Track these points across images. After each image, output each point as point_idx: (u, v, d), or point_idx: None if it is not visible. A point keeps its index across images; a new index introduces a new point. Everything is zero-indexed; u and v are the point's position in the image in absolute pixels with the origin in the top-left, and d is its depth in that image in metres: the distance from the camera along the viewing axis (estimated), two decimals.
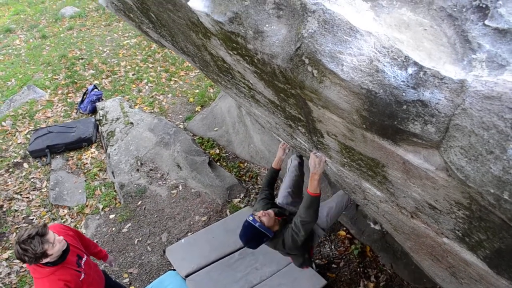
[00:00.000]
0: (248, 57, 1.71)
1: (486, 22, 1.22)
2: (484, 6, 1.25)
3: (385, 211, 2.29)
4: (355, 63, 1.28)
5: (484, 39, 1.20)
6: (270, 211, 3.12)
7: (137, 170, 5.51)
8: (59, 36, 9.85)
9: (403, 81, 1.21)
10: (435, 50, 1.25)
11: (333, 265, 4.10)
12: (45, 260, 2.59)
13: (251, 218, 3.01)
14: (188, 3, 1.76)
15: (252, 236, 3.00)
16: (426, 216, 1.74)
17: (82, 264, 2.94)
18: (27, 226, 5.58)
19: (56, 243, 2.59)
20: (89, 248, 3.32)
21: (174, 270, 4.16)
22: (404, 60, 1.22)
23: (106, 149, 6.14)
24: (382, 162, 1.60)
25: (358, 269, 4.01)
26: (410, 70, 1.21)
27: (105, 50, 8.95)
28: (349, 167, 2.03)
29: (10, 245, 5.33)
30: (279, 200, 3.55)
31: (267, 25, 1.49)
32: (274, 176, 3.51)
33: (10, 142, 6.92)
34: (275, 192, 3.58)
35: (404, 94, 1.21)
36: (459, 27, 1.28)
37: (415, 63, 1.21)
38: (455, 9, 1.31)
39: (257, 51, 1.58)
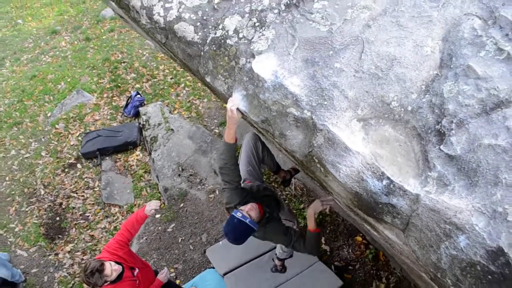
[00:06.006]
0: (277, 143, 2.31)
1: (441, 147, 1.76)
2: (442, 131, 1.79)
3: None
4: (348, 172, 1.87)
5: (438, 161, 1.75)
6: (255, 204, 3.08)
7: (179, 175, 6.23)
8: (101, 38, 10.60)
9: (379, 189, 1.79)
10: (404, 165, 1.82)
11: (350, 267, 4.73)
12: (106, 283, 3.32)
13: (239, 214, 2.88)
14: (230, 98, 2.37)
15: (242, 233, 2.92)
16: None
17: (135, 274, 3.67)
18: (84, 222, 6.42)
19: (113, 273, 3.29)
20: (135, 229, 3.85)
21: (214, 268, 4.89)
22: (381, 175, 1.79)
23: (150, 153, 6.89)
24: (373, 224, 2.19)
25: (372, 271, 4.62)
26: (384, 182, 1.79)
27: (144, 53, 9.63)
28: (354, 214, 2.62)
29: (71, 239, 6.19)
30: (242, 177, 3.54)
31: (288, 131, 2.09)
32: (234, 151, 3.01)
33: (64, 144, 7.76)
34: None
35: (379, 198, 1.80)
36: (423, 146, 1.82)
37: (388, 178, 1.78)
38: (423, 129, 1.85)
39: (281, 145, 2.18)
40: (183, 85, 8.48)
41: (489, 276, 1.50)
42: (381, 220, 1.90)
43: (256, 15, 2.34)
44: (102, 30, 11.00)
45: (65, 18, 12.09)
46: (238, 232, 2.92)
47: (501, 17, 1.88)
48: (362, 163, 1.84)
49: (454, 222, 1.58)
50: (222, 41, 2.39)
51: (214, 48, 2.42)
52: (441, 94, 1.83)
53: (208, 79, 2.53)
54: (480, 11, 1.95)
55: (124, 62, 9.43)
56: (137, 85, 8.68)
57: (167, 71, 8.93)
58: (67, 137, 7.88)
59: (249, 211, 2.95)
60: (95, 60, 9.69)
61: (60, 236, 6.27)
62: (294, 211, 5.39)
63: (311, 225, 3.15)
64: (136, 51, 9.76)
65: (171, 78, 8.71)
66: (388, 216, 1.82)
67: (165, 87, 8.51)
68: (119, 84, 8.77)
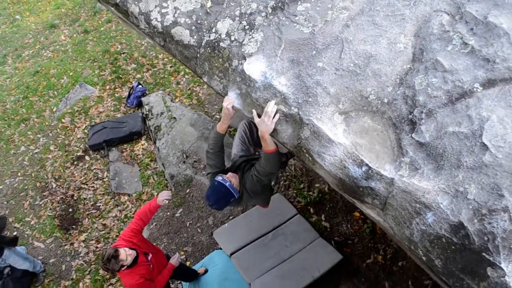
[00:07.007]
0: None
1: (413, 135, 1.99)
2: (414, 121, 2.01)
3: None
4: (332, 161, 2.11)
5: (410, 148, 1.98)
6: (235, 174, 3.23)
7: (184, 162, 6.50)
8: (100, 30, 10.70)
9: (359, 175, 2.03)
10: (381, 152, 2.05)
11: (349, 241, 5.01)
12: (123, 268, 3.61)
13: (220, 178, 3.08)
14: (226, 97, 2.59)
15: (222, 195, 3.07)
16: None
17: (149, 258, 3.98)
18: (95, 212, 6.72)
19: (128, 257, 3.58)
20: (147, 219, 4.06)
21: (221, 249, 5.20)
22: (360, 162, 2.03)
23: (155, 142, 7.13)
24: (358, 204, 2.44)
25: (370, 244, 4.90)
26: (364, 168, 2.02)
27: (143, 43, 9.75)
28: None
29: (85, 229, 6.49)
30: (233, 154, 3.75)
31: (279, 126, 2.32)
32: (222, 141, 3.22)
33: (71, 137, 8.00)
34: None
35: (360, 182, 2.04)
36: (398, 135, 2.06)
37: (366, 164, 2.02)
38: (397, 119, 2.08)
39: (274, 137, 2.42)
40: (182, 73, 8.65)
41: (453, 247, 1.75)
42: (363, 201, 2.14)
43: (246, 18, 2.54)
44: (100, 22, 11.10)
45: (63, 11, 12.17)
46: (217, 194, 3.08)
47: (467, 12, 2.08)
48: (343, 153, 2.07)
49: (423, 201, 1.83)
50: (216, 44, 2.60)
51: (209, 51, 2.63)
52: (413, 86, 2.04)
53: (205, 79, 2.75)
54: (448, 7, 2.15)
55: (123, 53, 9.58)
56: (138, 75, 8.86)
57: (166, 59, 9.08)
58: (74, 131, 8.11)
59: (229, 178, 3.12)
60: (95, 53, 9.85)
61: (74, 226, 6.57)
62: (295, 191, 5.67)
63: (266, 146, 2.64)
64: (134, 41, 9.88)
65: (170, 67, 8.88)
66: (368, 198, 2.07)
67: (165, 76, 8.69)
68: (120, 75, 8.95)
